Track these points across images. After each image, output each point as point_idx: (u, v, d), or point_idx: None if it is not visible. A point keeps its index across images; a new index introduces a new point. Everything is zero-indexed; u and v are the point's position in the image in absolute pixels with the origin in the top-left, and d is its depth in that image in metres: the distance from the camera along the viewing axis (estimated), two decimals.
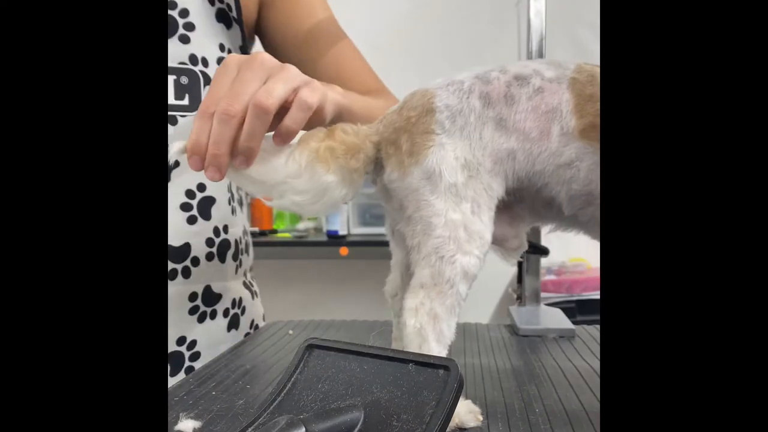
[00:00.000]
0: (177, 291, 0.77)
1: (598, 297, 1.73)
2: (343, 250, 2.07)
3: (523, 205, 0.60)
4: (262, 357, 0.75)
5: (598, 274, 1.70)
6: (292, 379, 0.49)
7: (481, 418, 0.53)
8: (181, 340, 0.79)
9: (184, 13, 0.74)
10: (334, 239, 2.10)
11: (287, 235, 2.24)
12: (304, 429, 0.40)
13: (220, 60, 0.78)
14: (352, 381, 0.46)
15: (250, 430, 0.46)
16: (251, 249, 0.94)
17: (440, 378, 0.42)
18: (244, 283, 0.90)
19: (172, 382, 0.69)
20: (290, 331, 0.87)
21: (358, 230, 2.18)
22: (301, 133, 0.57)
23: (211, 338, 0.82)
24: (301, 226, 2.29)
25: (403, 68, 2.02)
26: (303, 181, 0.54)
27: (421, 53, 2.17)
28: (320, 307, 2.30)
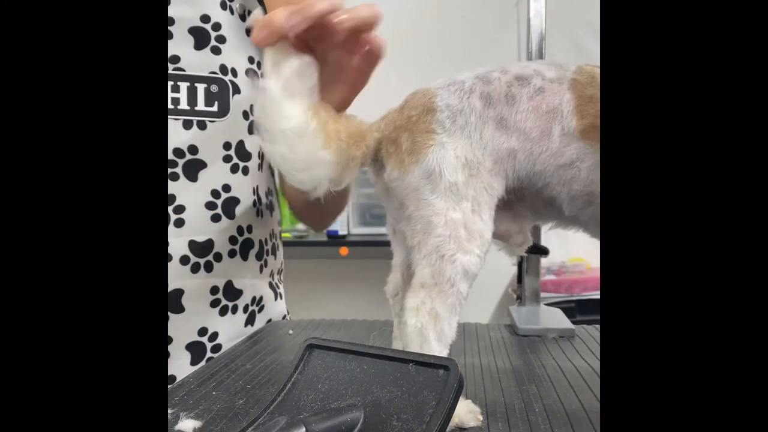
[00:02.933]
0: (200, 284, 0.80)
1: (598, 297, 1.73)
2: (343, 250, 2.07)
3: (525, 204, 0.60)
4: (262, 357, 0.75)
5: (598, 274, 1.70)
6: (292, 379, 0.49)
7: (481, 418, 0.53)
8: (202, 331, 0.82)
9: (217, 26, 0.80)
10: (334, 239, 2.11)
11: (287, 235, 2.24)
12: (304, 429, 0.41)
13: (248, 71, 0.84)
14: (352, 381, 0.46)
15: (250, 430, 0.46)
16: (280, 252, 0.99)
17: (440, 378, 0.42)
18: (270, 284, 0.93)
19: (192, 371, 0.70)
20: (290, 331, 0.87)
21: (358, 230, 2.18)
22: None
23: (231, 332, 0.85)
24: (302, 226, 2.29)
25: (403, 68, 2.02)
26: (301, 143, 0.53)
27: (421, 53, 2.17)
28: (320, 307, 2.30)
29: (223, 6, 0.81)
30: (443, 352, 0.54)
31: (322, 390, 0.46)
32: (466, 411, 0.52)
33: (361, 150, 0.56)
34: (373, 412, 0.43)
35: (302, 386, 0.48)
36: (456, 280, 0.53)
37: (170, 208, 0.76)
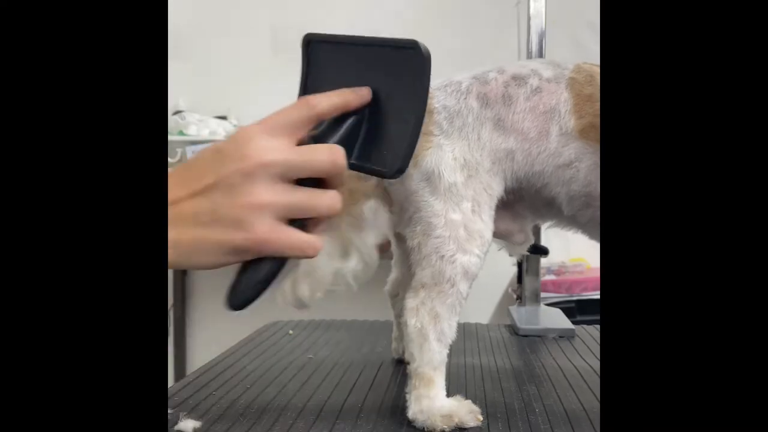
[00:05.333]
0: None
1: (598, 297, 1.73)
2: None
3: (524, 204, 0.60)
4: (263, 357, 0.75)
5: (598, 274, 1.69)
6: (307, 79, 0.52)
7: (481, 418, 0.53)
8: None
9: None
10: None
11: None
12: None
13: None
14: (355, 70, 0.48)
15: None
16: None
17: (412, 57, 0.46)
18: None
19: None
20: (290, 331, 0.88)
21: None
22: None
23: None
24: None
25: None
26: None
27: None
28: (320, 307, 2.29)
29: None
30: (443, 352, 0.54)
31: (334, 81, 0.48)
32: (466, 411, 0.52)
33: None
34: (375, 97, 0.47)
35: (317, 80, 0.50)
36: (456, 281, 0.53)
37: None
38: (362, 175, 0.51)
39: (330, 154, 0.43)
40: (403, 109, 0.46)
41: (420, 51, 0.46)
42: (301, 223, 0.44)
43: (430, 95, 0.56)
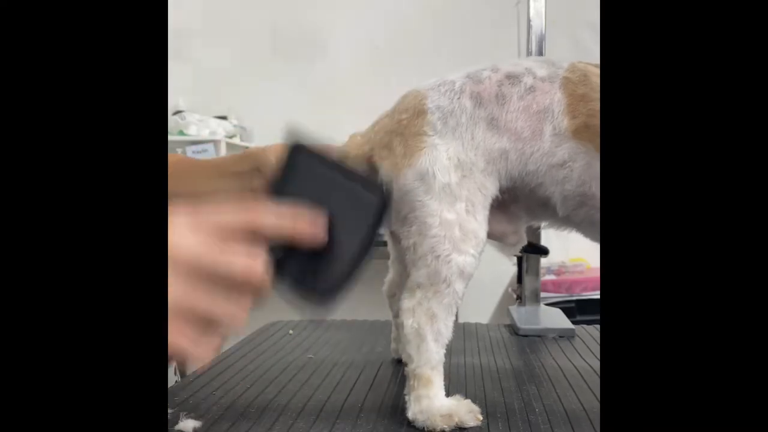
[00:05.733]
0: None
1: (598, 297, 1.73)
2: None
3: (519, 204, 0.60)
4: (263, 357, 0.75)
5: (598, 274, 1.69)
6: (277, 182, 0.49)
7: (481, 417, 0.53)
8: None
9: None
10: None
11: None
12: None
13: None
14: (319, 191, 0.47)
15: None
16: None
17: (372, 202, 0.46)
18: None
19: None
20: (290, 331, 0.88)
21: None
22: None
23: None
24: None
25: (403, 68, 2.02)
26: None
27: (421, 53, 2.17)
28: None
29: None
30: (440, 352, 0.54)
31: (298, 192, 0.47)
32: (466, 411, 0.53)
33: None
34: (330, 225, 0.46)
35: (285, 187, 0.48)
36: (452, 280, 0.53)
37: None
38: None
39: (245, 267, 0.40)
40: (349, 248, 0.46)
41: (382, 197, 0.46)
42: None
43: (423, 95, 0.56)
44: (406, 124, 0.55)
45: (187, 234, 0.39)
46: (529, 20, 0.96)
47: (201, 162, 0.69)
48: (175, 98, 2.18)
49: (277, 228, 0.42)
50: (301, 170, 0.50)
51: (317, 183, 0.49)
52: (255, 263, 0.40)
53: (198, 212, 0.40)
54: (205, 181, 0.64)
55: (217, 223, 0.40)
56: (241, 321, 0.40)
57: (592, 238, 0.60)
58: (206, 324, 0.39)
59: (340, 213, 0.47)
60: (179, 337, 0.38)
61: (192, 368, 0.41)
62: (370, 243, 0.46)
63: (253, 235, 0.41)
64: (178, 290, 0.38)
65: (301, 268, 0.45)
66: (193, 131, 2.11)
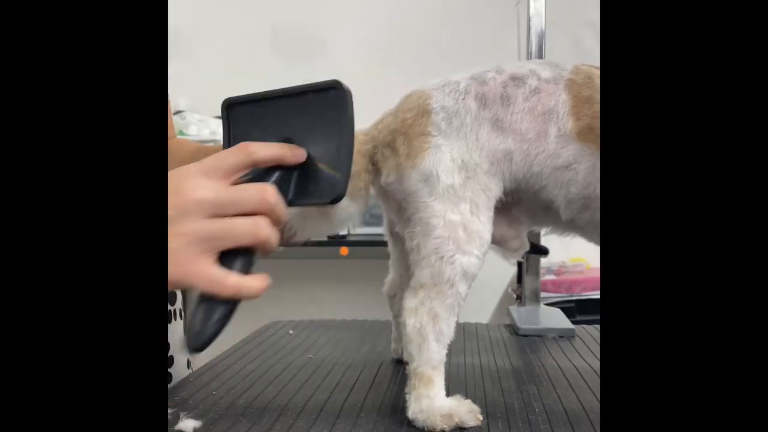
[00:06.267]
0: None
1: (598, 297, 1.73)
2: (343, 250, 2.07)
3: (522, 207, 0.60)
4: (263, 357, 0.75)
5: (597, 274, 1.69)
6: (230, 137, 0.53)
7: (480, 417, 0.53)
8: None
9: None
10: (334, 239, 2.10)
11: None
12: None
13: None
14: (277, 122, 0.51)
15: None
16: None
17: (334, 98, 0.48)
18: None
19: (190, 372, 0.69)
20: (290, 331, 0.88)
21: (358, 230, 2.18)
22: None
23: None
24: None
25: (403, 68, 2.02)
26: (323, 222, 0.58)
27: (421, 53, 2.17)
28: (320, 307, 2.29)
29: None
30: (442, 352, 0.54)
31: (257, 136, 0.50)
32: (466, 411, 0.53)
33: (362, 180, 0.57)
34: (300, 143, 0.49)
35: (241, 138, 0.51)
36: (455, 281, 0.53)
37: None
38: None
39: (259, 192, 0.45)
40: (331, 144, 0.48)
41: (341, 88, 0.48)
42: (244, 264, 0.45)
43: (428, 95, 0.56)
44: (410, 123, 0.55)
45: (201, 179, 0.44)
46: (528, 20, 0.96)
47: (203, 148, 0.77)
48: (175, 98, 2.18)
49: (267, 155, 0.47)
50: (246, 120, 0.52)
51: (269, 118, 0.51)
52: (265, 189, 0.45)
53: (204, 162, 0.45)
54: None
55: (222, 166, 0.45)
56: (259, 237, 0.44)
57: (597, 242, 0.60)
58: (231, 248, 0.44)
59: (309, 124, 0.49)
60: (208, 268, 0.43)
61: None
62: (352, 129, 0.48)
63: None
64: (203, 226, 0.43)
65: (301, 184, 0.48)
66: (194, 131, 2.11)
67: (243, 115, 0.53)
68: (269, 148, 0.47)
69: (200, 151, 0.73)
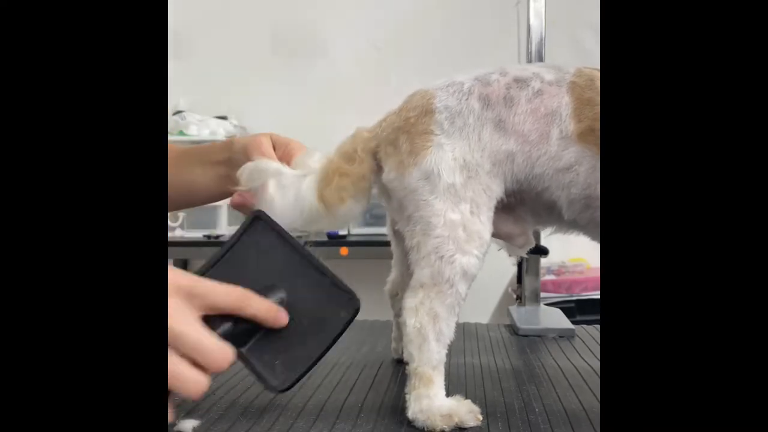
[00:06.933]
0: None
1: (598, 297, 1.73)
2: (343, 250, 2.07)
3: (525, 207, 0.60)
4: None
5: (597, 274, 1.69)
6: (233, 247, 0.52)
7: (480, 417, 0.53)
8: None
9: None
10: (334, 239, 2.10)
11: None
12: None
13: None
14: (282, 268, 0.51)
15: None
16: None
17: (346, 301, 0.50)
18: None
19: None
20: None
21: (359, 230, 2.18)
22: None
23: None
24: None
25: (403, 68, 2.02)
26: (326, 221, 0.57)
27: (421, 54, 2.17)
28: None
29: None
30: (442, 352, 0.54)
31: (255, 266, 0.50)
32: (466, 411, 0.53)
33: (367, 180, 0.57)
34: (290, 304, 0.49)
35: (239, 256, 0.51)
36: (455, 281, 0.53)
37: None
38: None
39: (222, 359, 0.45)
40: (311, 336, 0.49)
41: (354, 304, 0.49)
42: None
43: (431, 95, 0.56)
44: (413, 122, 0.55)
45: (182, 304, 0.44)
46: (528, 20, 0.96)
47: (188, 150, 0.75)
48: (175, 98, 2.18)
49: (257, 315, 0.48)
50: (260, 241, 0.51)
51: (277, 260, 0.51)
52: (228, 356, 0.45)
53: (197, 285, 0.45)
54: (189, 169, 0.71)
55: (210, 303, 0.46)
56: (196, 391, 0.44)
57: (599, 240, 0.60)
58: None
59: (307, 301, 0.49)
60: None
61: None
62: (335, 339, 0.49)
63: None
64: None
65: (264, 347, 0.49)
66: (193, 131, 2.11)
67: (260, 236, 0.52)
68: (263, 307, 0.48)
69: (184, 156, 0.72)
